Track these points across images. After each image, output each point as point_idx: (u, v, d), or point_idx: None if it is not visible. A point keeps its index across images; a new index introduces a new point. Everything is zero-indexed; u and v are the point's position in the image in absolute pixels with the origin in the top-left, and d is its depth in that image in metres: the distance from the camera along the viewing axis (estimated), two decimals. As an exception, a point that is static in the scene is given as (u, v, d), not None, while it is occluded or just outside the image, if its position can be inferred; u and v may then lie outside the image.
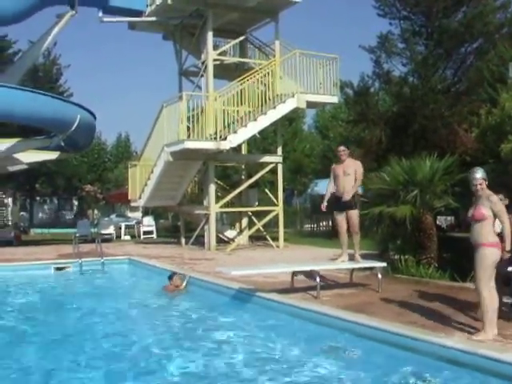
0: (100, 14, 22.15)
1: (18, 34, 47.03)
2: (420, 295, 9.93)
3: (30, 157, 24.34)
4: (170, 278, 12.27)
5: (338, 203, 11.38)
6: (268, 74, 20.42)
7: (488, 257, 6.85)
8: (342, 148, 11.62)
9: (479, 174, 7.07)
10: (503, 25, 20.87)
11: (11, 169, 26.04)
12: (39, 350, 7.81)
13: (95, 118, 22.89)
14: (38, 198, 49.53)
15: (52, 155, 25.00)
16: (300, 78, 20.71)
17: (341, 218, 11.36)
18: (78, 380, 6.44)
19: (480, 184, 7.01)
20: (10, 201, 46.26)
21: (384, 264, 11.36)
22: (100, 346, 7.99)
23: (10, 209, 46.12)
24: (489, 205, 6.89)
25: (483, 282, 6.88)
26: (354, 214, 11.19)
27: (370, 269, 11.88)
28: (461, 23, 20.88)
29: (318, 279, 9.97)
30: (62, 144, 22.45)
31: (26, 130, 26.89)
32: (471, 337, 6.81)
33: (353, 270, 11.59)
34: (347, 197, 11.06)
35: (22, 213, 47.07)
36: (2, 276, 14.91)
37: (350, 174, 11.18)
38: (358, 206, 11.29)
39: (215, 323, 9.26)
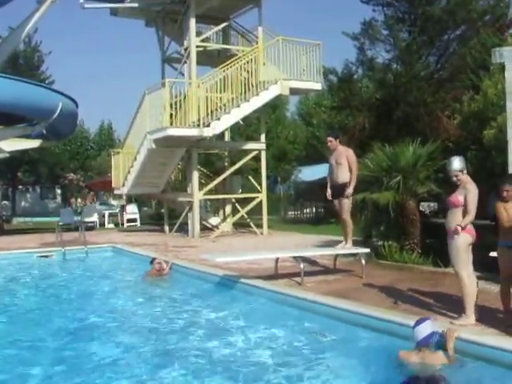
0: (81, 0, 21.92)
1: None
2: (403, 281, 9.97)
3: (11, 145, 24.11)
4: (151, 262, 12.31)
5: (332, 191, 11.43)
6: (251, 60, 20.35)
7: (459, 243, 6.91)
8: (328, 138, 11.59)
9: (455, 165, 7.02)
10: (486, 12, 20.94)
11: (-8, 157, 25.85)
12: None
13: (77, 105, 22.68)
14: (20, 187, 49.10)
15: (34, 143, 24.76)
16: (283, 65, 20.67)
17: (337, 206, 11.39)
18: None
19: (456, 176, 7.01)
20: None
21: (367, 250, 11.40)
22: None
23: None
24: (464, 192, 6.94)
25: (460, 267, 6.95)
26: (344, 202, 11.21)
27: (354, 255, 11.91)
28: (444, 10, 20.92)
29: (301, 265, 9.98)
30: (44, 132, 22.25)
31: (8, 117, 26.62)
32: (454, 322, 6.84)
33: (336, 256, 11.61)
34: (336, 183, 11.21)
35: (3, 202, 46.73)
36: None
37: (341, 163, 11.18)
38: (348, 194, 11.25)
39: (197, 308, 9.27)
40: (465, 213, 6.91)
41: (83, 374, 6.18)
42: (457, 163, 7.02)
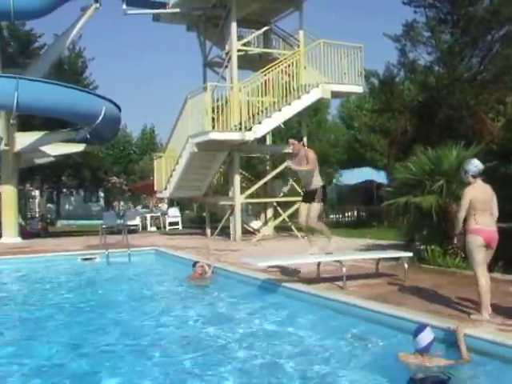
0: (124, 6, 22.25)
1: (43, 27, 47.52)
2: (446, 285, 9.88)
3: (56, 149, 24.59)
4: (194, 266, 12.41)
5: (303, 195, 11.45)
6: (292, 64, 20.38)
7: (470, 242, 7.48)
8: (291, 141, 11.27)
9: (466, 166, 7.75)
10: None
11: (38, 161, 26.34)
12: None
13: (120, 110, 23.04)
14: (64, 190, 49.86)
15: (78, 147, 25.24)
16: (324, 68, 20.66)
17: (303, 209, 11.27)
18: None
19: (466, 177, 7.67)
20: (37, 193, 46.88)
21: (410, 254, 11.30)
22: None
23: (37, 201, 46.74)
24: None
25: (474, 266, 7.47)
26: (314, 206, 11.01)
27: (397, 259, 11.82)
28: (487, 10, 20.60)
29: (343, 269, 9.96)
30: (88, 136, 22.63)
31: (53, 122, 27.12)
32: (469, 317, 7.31)
33: (378, 260, 11.55)
34: (308, 189, 11.13)
35: (48, 205, 47.54)
36: (33, 267, 15.20)
37: (306, 168, 10.96)
38: (319, 199, 11.04)
39: (240, 312, 9.31)
40: (470, 214, 7.52)
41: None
42: (467, 164, 7.73)
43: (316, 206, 11.01)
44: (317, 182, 11.04)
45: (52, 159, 26.13)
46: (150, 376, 6.27)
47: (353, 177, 33.28)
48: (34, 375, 6.40)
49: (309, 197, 11.09)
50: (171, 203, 33.38)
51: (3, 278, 14.54)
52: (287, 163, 11.51)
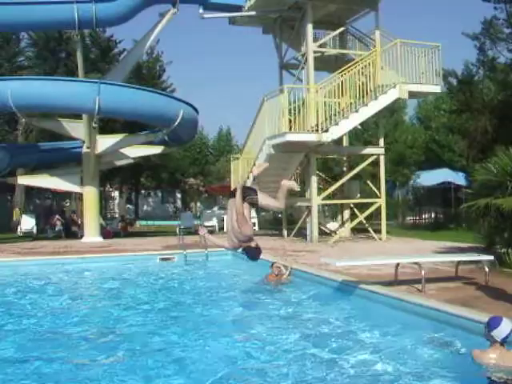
0: (201, 10, 22.63)
1: (122, 33, 48.73)
2: (530, 290, 9.66)
3: (135, 151, 25.18)
4: (271, 266, 12.49)
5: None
6: (369, 64, 20.27)
7: None
8: None
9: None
10: None
11: (118, 163, 26.97)
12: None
13: (197, 112, 23.38)
14: (142, 191, 50.90)
15: (156, 149, 25.77)
16: (401, 68, 20.47)
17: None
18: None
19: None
20: (116, 194, 48.02)
21: (491, 257, 11.07)
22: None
23: (116, 202, 47.87)
24: None
25: None
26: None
27: (477, 262, 11.61)
28: None
29: (422, 272, 9.85)
30: (166, 138, 23.05)
31: (132, 125, 27.77)
32: None
33: (458, 263, 11.37)
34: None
35: (127, 205, 48.62)
36: (116, 266, 15.67)
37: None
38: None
39: (319, 313, 9.33)
40: None
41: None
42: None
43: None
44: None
45: (131, 161, 26.72)
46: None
47: (430, 178, 32.73)
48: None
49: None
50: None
51: (94, 275, 15.17)
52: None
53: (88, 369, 6.57)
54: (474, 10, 29.22)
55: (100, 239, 23.19)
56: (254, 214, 30.39)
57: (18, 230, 27.86)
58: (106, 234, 24.47)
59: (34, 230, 27.79)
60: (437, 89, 21.45)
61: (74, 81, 22.29)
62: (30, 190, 34.68)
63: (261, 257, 9.21)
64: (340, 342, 7.55)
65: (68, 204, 42.74)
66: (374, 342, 7.49)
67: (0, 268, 15.23)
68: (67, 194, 38.88)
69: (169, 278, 14.42)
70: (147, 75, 37.32)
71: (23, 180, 26.03)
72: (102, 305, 11.01)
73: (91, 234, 23.23)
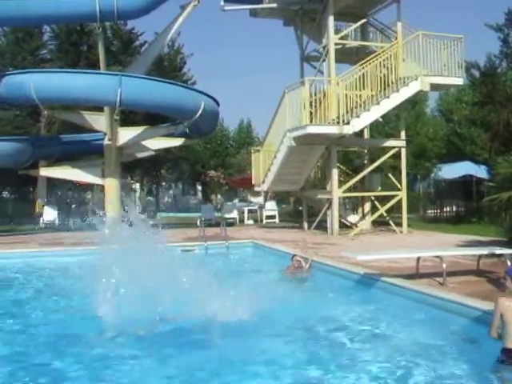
0: (222, 2, 22.61)
1: (143, 26, 48.87)
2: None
3: (156, 143, 25.22)
4: (292, 259, 12.52)
5: None
6: (390, 56, 20.16)
7: None
8: None
9: None
10: None
11: (139, 155, 27.06)
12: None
13: (218, 104, 23.40)
14: (163, 184, 51.08)
15: (177, 142, 25.81)
16: (423, 60, 20.34)
17: None
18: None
19: None
20: (137, 186, 48.23)
21: (513, 251, 11.01)
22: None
23: (137, 194, 48.09)
24: None
25: None
26: None
27: (499, 256, 11.54)
28: None
29: (444, 265, 9.82)
30: (187, 131, 23.09)
31: (153, 118, 27.85)
32: None
33: (480, 256, 11.30)
34: None
35: (148, 197, 48.81)
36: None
37: None
38: None
39: (337, 306, 9.34)
40: None
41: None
42: None
43: None
44: None
45: (152, 153, 26.80)
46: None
47: (452, 171, 32.48)
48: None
49: None
50: (266, 197, 33.51)
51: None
52: None
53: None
54: (498, 1, 28.98)
55: (121, 231, 23.24)
56: (274, 206, 30.43)
57: (41, 221, 28.03)
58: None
59: (56, 222, 27.96)
60: (459, 81, 21.28)
61: (96, 73, 22.39)
62: (52, 182, 34.88)
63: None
64: (362, 334, 7.57)
65: (89, 196, 42.99)
66: (394, 335, 7.50)
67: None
68: (89, 186, 39.06)
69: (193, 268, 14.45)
70: (168, 67, 37.37)
71: (45, 172, 26.16)
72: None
73: (112, 225, 23.29)
